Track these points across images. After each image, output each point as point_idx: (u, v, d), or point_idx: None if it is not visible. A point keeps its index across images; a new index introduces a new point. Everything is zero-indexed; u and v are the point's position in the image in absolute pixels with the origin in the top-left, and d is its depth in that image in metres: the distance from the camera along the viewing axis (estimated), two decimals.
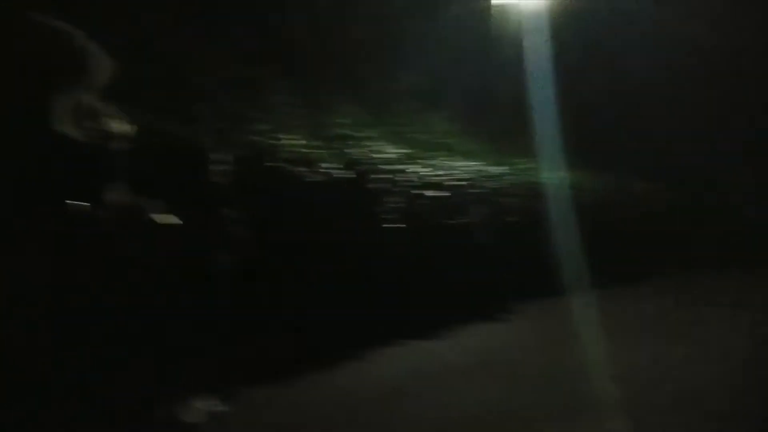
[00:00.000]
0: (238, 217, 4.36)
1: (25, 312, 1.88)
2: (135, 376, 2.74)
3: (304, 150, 5.55)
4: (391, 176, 6.17)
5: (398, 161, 6.49)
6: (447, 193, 6.71)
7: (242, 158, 4.71)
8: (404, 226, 6.06)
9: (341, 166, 5.62)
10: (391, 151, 6.71)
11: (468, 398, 4.28)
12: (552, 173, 8.45)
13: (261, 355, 4.31)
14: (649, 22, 11.25)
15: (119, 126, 2.93)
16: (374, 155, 6.37)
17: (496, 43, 8.92)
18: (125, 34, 5.70)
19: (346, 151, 6.17)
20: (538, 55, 9.46)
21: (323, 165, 5.49)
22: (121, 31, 5.70)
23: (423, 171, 6.66)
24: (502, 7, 10.36)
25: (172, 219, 2.89)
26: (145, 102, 5.18)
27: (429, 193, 6.58)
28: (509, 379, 4.68)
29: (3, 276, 1.71)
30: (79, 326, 2.20)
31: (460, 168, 7.24)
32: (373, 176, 5.93)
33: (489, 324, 6.30)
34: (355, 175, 5.67)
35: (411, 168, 6.53)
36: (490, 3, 10.43)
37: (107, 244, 2.32)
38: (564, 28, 9.93)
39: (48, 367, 2.21)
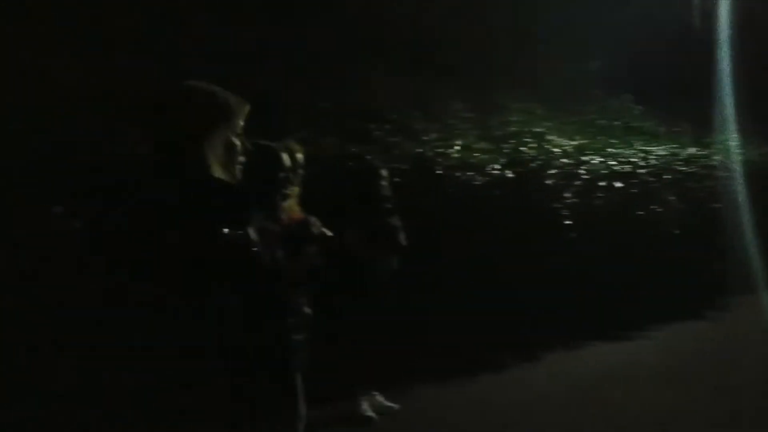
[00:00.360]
0: (409, 225, 4.64)
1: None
2: (317, 373, 3.12)
3: (471, 154, 5.62)
4: (567, 170, 5.94)
5: (574, 153, 6.20)
6: (632, 182, 6.26)
7: (410, 170, 4.98)
8: (584, 221, 5.81)
9: (509, 166, 5.59)
10: (567, 144, 6.45)
11: (659, 401, 4.03)
12: (749, 151, 7.35)
13: (443, 354, 4.53)
14: None
15: (290, 152, 3.37)
16: (549, 149, 6.17)
17: (676, 20, 8.01)
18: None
19: (518, 149, 6.08)
20: (720, 29, 8.30)
21: (492, 166, 5.50)
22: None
23: (604, 161, 6.27)
24: None
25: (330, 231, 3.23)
26: (319, 125, 5.78)
27: (615, 183, 6.21)
28: (710, 384, 4.28)
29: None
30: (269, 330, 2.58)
31: (647, 154, 6.67)
32: (546, 172, 5.79)
33: (689, 322, 5.74)
34: (524, 174, 5.60)
35: (590, 159, 6.20)
36: None
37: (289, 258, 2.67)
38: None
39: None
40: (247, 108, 1.83)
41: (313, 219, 3.27)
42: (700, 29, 8.07)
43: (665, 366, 4.79)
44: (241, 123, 1.87)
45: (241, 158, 1.90)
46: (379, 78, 7.60)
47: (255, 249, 1.80)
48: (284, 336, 2.59)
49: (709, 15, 8.55)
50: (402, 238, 3.90)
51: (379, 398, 4.02)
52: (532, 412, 3.96)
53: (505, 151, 6.01)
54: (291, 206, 3.23)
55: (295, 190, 3.41)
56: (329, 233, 3.00)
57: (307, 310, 2.93)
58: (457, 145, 5.91)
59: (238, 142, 1.84)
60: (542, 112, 8.33)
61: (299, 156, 3.50)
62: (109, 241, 1.69)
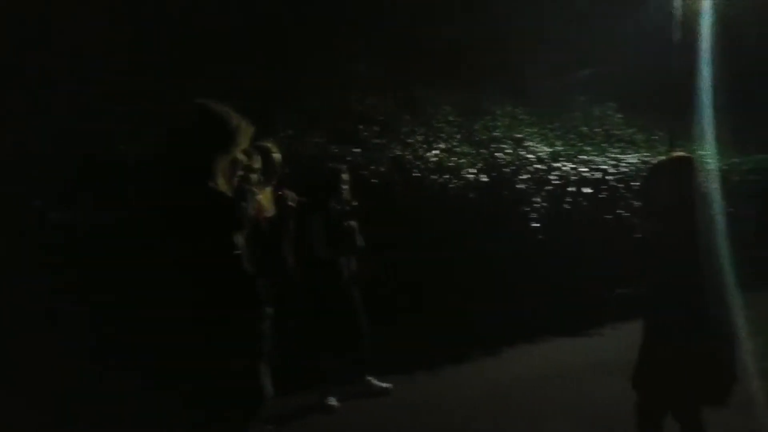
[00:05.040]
0: (384, 226, 5.01)
1: None
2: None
3: (450, 157, 5.98)
4: (539, 176, 6.31)
5: (548, 159, 6.57)
6: (601, 188, 6.62)
7: (387, 172, 5.35)
8: (553, 224, 6.17)
9: (484, 170, 5.95)
10: (542, 150, 6.81)
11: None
12: (726, 159, 7.70)
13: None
14: None
15: (265, 153, 3.68)
16: (524, 155, 6.54)
17: (659, 32, 8.32)
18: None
19: (495, 154, 6.45)
20: (701, 41, 8.64)
21: (468, 170, 5.86)
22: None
23: (575, 167, 6.64)
24: None
25: None
26: (309, 124, 6.14)
27: (583, 189, 6.57)
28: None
29: None
30: None
31: (618, 161, 7.03)
32: (518, 177, 6.14)
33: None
34: (498, 178, 5.96)
35: (561, 165, 6.57)
36: None
37: None
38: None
39: None
40: (252, 130, 2.16)
41: (288, 192, 3.51)
42: (683, 41, 8.37)
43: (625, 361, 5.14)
44: (247, 143, 2.19)
45: (240, 172, 2.22)
46: (373, 80, 8.00)
47: (239, 252, 2.11)
48: (253, 326, 2.94)
49: (692, 28, 8.87)
50: (359, 240, 4.15)
51: (374, 381, 4.37)
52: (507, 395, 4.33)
53: (483, 155, 6.37)
54: (263, 202, 3.51)
55: (267, 190, 3.69)
56: (303, 199, 3.15)
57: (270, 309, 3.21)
58: (437, 148, 6.27)
59: (242, 158, 2.17)
60: (527, 117, 8.71)
61: (276, 156, 3.75)
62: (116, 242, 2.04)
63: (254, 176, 3.15)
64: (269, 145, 3.76)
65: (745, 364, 2.64)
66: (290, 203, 2.86)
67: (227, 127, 2.03)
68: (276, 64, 7.34)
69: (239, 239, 2.11)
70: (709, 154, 7.67)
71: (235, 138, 2.05)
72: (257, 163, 3.16)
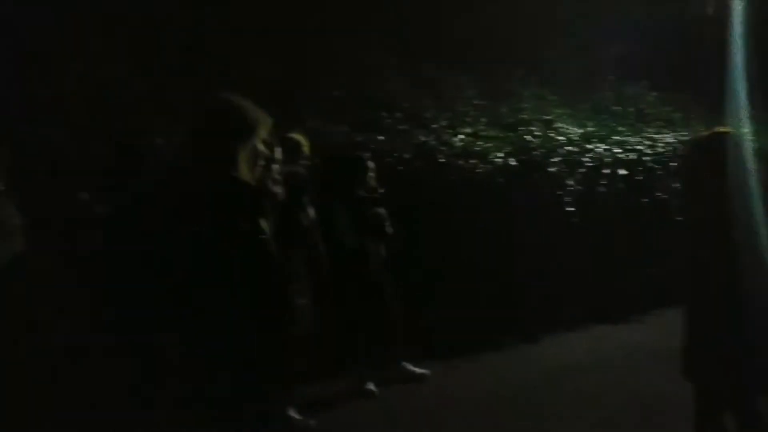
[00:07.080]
0: (409, 214, 4.86)
1: None
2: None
3: (476, 142, 5.78)
4: (571, 158, 6.05)
5: (580, 141, 6.30)
6: (637, 169, 6.33)
7: (413, 158, 5.19)
8: (588, 208, 5.91)
9: (513, 154, 5.72)
10: (573, 131, 6.54)
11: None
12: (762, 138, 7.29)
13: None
14: None
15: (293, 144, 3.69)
16: (554, 137, 6.28)
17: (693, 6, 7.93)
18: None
19: (523, 137, 6.21)
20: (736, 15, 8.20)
21: (496, 155, 5.64)
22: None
23: (609, 149, 6.36)
24: None
25: None
26: (331, 114, 6.02)
27: (619, 171, 6.29)
28: None
29: None
30: None
31: (654, 141, 6.72)
32: (549, 160, 5.90)
33: None
34: (527, 162, 5.73)
35: (594, 147, 6.30)
36: None
37: None
38: None
39: None
40: (270, 121, 2.17)
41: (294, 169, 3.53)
42: (718, 16, 7.99)
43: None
44: (266, 134, 2.23)
45: (262, 162, 2.26)
46: (394, 66, 7.79)
47: (264, 237, 2.12)
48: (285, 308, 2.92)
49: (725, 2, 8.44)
50: (388, 227, 4.17)
51: (410, 367, 4.37)
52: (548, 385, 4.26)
53: (510, 138, 6.14)
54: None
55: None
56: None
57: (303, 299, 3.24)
58: (463, 133, 6.06)
59: (262, 149, 2.14)
60: (555, 98, 8.41)
61: (304, 148, 3.85)
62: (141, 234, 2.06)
63: (276, 166, 3.20)
64: (299, 137, 3.93)
65: None
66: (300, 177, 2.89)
67: (247, 120, 2.11)
68: (293, 53, 7.24)
69: (265, 224, 2.14)
70: (748, 133, 7.26)
71: (255, 130, 2.12)
72: (278, 154, 3.21)
